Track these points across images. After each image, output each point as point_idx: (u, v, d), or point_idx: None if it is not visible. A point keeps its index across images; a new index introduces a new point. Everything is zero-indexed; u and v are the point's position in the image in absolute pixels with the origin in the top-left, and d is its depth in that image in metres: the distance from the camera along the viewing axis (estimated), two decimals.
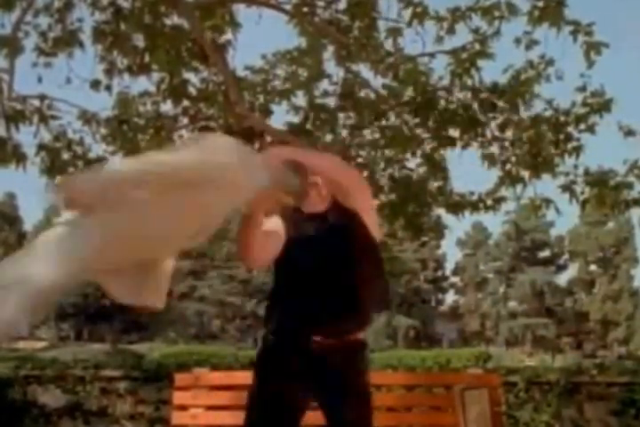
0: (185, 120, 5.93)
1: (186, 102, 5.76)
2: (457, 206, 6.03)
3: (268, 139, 5.50)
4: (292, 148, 2.45)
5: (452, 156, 5.98)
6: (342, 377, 2.42)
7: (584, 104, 5.54)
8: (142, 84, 5.95)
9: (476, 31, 5.39)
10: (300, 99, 5.95)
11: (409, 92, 5.77)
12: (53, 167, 5.61)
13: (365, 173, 5.90)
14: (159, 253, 2.14)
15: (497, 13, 5.14)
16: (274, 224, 2.50)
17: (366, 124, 6.04)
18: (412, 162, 6.14)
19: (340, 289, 2.38)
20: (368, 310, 2.47)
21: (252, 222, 2.34)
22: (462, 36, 5.45)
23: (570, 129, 5.60)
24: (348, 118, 6.07)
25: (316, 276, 2.40)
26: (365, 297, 2.41)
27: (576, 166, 5.65)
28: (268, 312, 2.54)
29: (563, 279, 48.02)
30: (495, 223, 73.59)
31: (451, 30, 5.35)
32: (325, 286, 2.39)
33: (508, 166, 5.86)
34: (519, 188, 5.83)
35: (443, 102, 5.68)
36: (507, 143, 5.85)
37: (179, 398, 3.79)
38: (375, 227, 2.49)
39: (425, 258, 46.83)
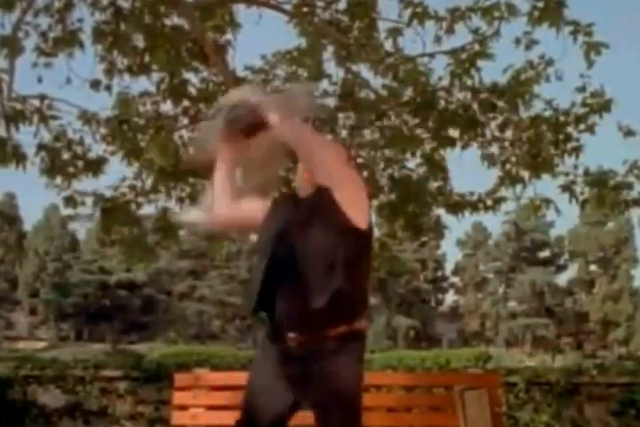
0: (185, 120, 5.92)
1: (186, 102, 5.76)
2: (457, 206, 6.03)
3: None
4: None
5: (451, 156, 5.98)
6: (329, 385, 2.28)
7: (584, 104, 5.54)
8: (142, 84, 5.95)
9: (475, 31, 5.39)
10: None
11: (409, 93, 5.77)
12: (53, 167, 5.61)
13: (365, 173, 5.90)
14: None
15: (497, 14, 5.14)
16: (258, 202, 2.54)
17: (366, 125, 6.04)
18: (412, 162, 6.14)
19: (314, 281, 2.24)
20: (348, 299, 2.26)
21: (218, 169, 2.53)
22: (462, 37, 5.45)
23: (569, 129, 5.60)
24: (348, 118, 6.07)
25: (290, 268, 2.27)
26: (344, 287, 2.23)
27: (576, 166, 5.65)
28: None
29: (563, 279, 48.07)
30: (495, 223, 73.73)
31: (450, 30, 5.35)
32: (299, 279, 2.25)
33: (508, 166, 5.87)
34: (519, 188, 5.83)
35: (442, 103, 5.68)
36: (506, 143, 5.85)
37: (179, 398, 3.79)
38: (361, 213, 2.32)
39: (425, 258, 46.85)
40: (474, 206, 6.05)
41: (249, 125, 2.49)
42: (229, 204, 2.53)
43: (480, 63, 5.44)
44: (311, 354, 2.28)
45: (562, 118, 5.59)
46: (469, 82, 5.54)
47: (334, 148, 2.50)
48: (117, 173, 6.20)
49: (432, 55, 5.60)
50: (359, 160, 6.02)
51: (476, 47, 5.43)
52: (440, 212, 6.41)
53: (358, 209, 2.32)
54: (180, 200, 6.15)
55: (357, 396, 2.33)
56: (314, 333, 2.26)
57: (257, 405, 2.38)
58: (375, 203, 6.00)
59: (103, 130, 5.75)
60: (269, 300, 2.31)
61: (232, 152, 2.58)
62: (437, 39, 5.39)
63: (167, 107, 5.80)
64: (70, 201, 5.87)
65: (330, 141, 2.44)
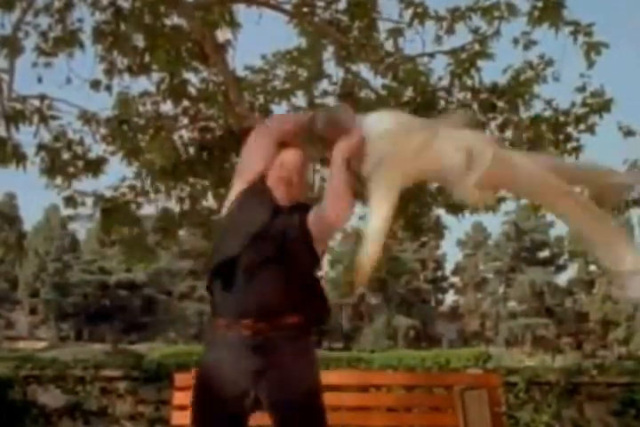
0: (185, 120, 5.93)
1: (186, 102, 5.77)
2: (457, 207, 6.02)
3: None
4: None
5: None
6: (282, 378, 2.28)
7: (584, 104, 5.54)
8: (142, 84, 5.96)
9: (475, 31, 5.40)
10: (300, 99, 5.96)
11: (409, 93, 5.77)
12: (53, 167, 5.62)
13: None
14: None
15: (496, 14, 5.14)
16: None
17: None
18: None
19: (271, 274, 2.32)
20: (305, 293, 2.37)
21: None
22: (462, 37, 5.46)
23: (569, 129, 5.60)
24: None
25: (252, 261, 2.33)
26: (298, 282, 2.34)
27: None
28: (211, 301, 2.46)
29: (562, 279, 48.09)
30: (495, 223, 73.80)
31: (450, 30, 5.35)
32: (258, 271, 2.32)
33: None
34: None
35: (442, 102, 5.68)
36: (506, 143, 5.85)
37: (179, 398, 3.78)
38: (322, 259, 2.49)
39: (425, 258, 46.83)
40: (474, 207, 6.05)
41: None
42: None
43: (480, 63, 5.45)
44: (265, 344, 2.29)
45: (562, 118, 5.59)
46: (469, 82, 5.54)
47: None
48: (117, 173, 6.21)
49: (432, 55, 5.60)
50: None
51: (476, 47, 5.44)
52: (440, 212, 6.41)
53: (322, 256, 2.48)
54: (180, 200, 6.15)
55: (317, 394, 2.35)
56: (268, 321, 2.29)
57: (214, 402, 2.34)
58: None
59: (103, 130, 5.76)
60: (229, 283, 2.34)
61: None
62: (437, 39, 5.39)
63: (167, 107, 5.81)
64: (70, 201, 5.87)
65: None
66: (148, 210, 6.33)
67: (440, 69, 5.63)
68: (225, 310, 2.35)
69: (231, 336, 2.32)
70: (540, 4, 4.81)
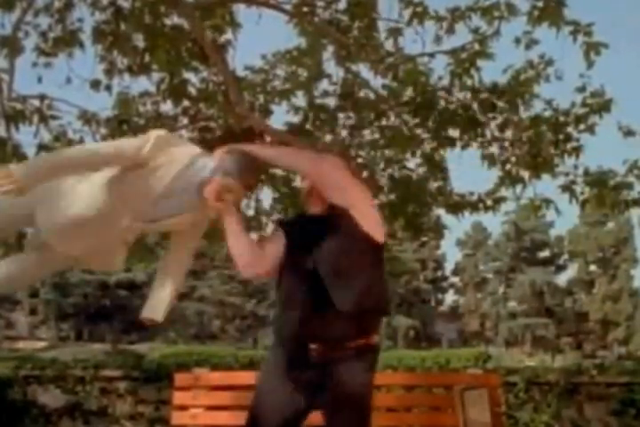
0: (185, 120, 5.92)
1: (186, 102, 5.76)
2: (457, 206, 6.03)
3: (268, 139, 5.50)
4: (271, 146, 2.52)
5: (451, 156, 5.99)
6: (342, 389, 2.35)
7: (584, 104, 5.54)
8: (142, 84, 5.96)
9: (475, 31, 5.39)
10: (300, 99, 5.96)
11: (409, 93, 5.77)
12: None
13: (365, 174, 5.91)
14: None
15: (496, 13, 5.14)
16: (272, 235, 2.56)
17: (366, 125, 6.04)
18: (412, 162, 6.15)
19: (336, 294, 2.31)
20: (368, 314, 2.38)
21: (227, 227, 2.47)
22: (462, 36, 5.45)
23: (569, 129, 5.60)
24: (348, 118, 6.07)
25: (313, 281, 2.34)
26: (364, 301, 2.33)
27: (576, 166, 5.65)
28: (274, 321, 2.54)
29: (562, 279, 48.08)
30: (495, 223, 73.94)
31: (450, 30, 5.35)
32: (322, 292, 2.32)
33: (508, 166, 5.87)
34: (519, 188, 5.83)
35: (442, 102, 5.68)
36: (506, 143, 5.85)
37: (179, 398, 3.79)
38: (373, 225, 2.40)
39: (425, 258, 46.84)
40: (474, 206, 6.05)
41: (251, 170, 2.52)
42: (257, 259, 2.49)
43: (480, 63, 5.44)
44: (328, 361, 2.36)
45: (562, 118, 5.59)
46: (469, 82, 5.54)
47: (337, 165, 2.49)
48: None
49: (432, 55, 5.59)
50: (359, 160, 6.02)
51: (476, 47, 5.43)
52: (440, 212, 6.41)
53: (374, 224, 2.39)
54: None
55: (368, 400, 2.42)
56: (334, 345, 2.34)
57: (266, 409, 2.40)
58: (375, 203, 6.00)
59: (103, 130, 5.75)
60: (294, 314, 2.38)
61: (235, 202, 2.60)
62: (437, 39, 5.39)
63: (167, 107, 5.81)
64: None
65: (328, 159, 2.47)
66: None
67: (440, 69, 5.64)
68: (286, 331, 2.43)
69: (294, 354, 2.39)
70: (540, 4, 4.81)
